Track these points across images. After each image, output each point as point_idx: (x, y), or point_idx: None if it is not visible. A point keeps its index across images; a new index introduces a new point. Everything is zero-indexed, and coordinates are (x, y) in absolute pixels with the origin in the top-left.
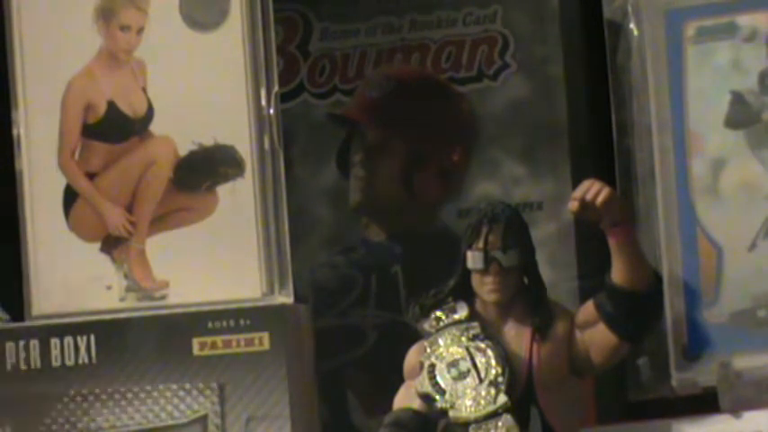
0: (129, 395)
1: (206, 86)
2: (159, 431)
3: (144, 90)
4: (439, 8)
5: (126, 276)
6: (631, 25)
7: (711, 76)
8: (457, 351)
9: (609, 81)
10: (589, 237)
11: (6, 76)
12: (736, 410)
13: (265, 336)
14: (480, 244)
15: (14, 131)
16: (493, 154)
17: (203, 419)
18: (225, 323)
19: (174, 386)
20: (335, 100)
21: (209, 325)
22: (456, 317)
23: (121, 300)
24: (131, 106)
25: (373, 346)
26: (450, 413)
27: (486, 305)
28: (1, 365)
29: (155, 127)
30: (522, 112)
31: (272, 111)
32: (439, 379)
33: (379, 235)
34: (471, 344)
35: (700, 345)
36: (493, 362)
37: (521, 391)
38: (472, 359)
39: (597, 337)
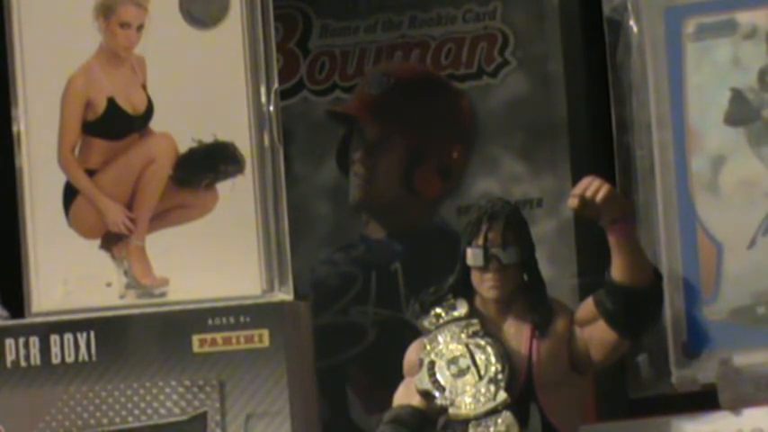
0: (129, 392)
1: (206, 83)
2: (159, 428)
3: (144, 87)
4: (439, 5)
5: (126, 273)
6: (631, 22)
7: (711, 74)
8: (456, 348)
9: (608, 78)
10: (589, 234)
11: (6, 74)
12: (735, 407)
13: (265, 333)
14: (480, 241)
15: (14, 128)
16: (492, 151)
17: (203, 416)
18: (225, 320)
19: (174, 383)
20: (335, 97)
21: (209, 322)
22: (456, 314)
23: (121, 297)
24: (131, 103)
25: (373, 343)
26: (450, 410)
27: (485, 302)
28: (1, 362)
29: (154, 124)
30: (521, 110)
31: (271, 108)
32: (439, 376)
33: (378, 232)
34: (471, 341)
35: (699, 342)
36: (492, 359)
37: (520, 388)
38: (472, 356)
39: (597, 334)
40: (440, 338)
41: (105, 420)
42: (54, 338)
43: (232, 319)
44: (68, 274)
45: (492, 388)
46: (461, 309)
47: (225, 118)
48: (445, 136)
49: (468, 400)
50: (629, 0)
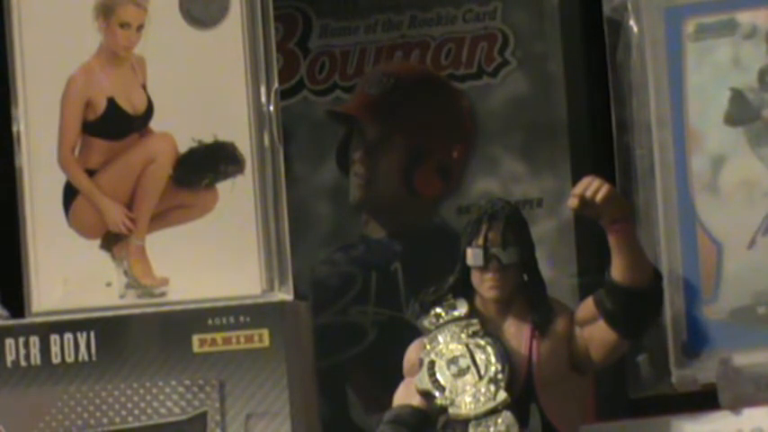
0: (129, 392)
1: (206, 83)
2: (159, 428)
3: (144, 87)
4: (439, 5)
5: (126, 273)
6: (631, 22)
7: (711, 73)
8: (456, 348)
9: (608, 78)
10: (589, 234)
11: (6, 73)
12: (735, 407)
13: (265, 333)
14: (480, 241)
15: (14, 128)
16: (492, 151)
17: (203, 416)
18: (225, 320)
19: (174, 383)
20: (335, 97)
21: (209, 322)
22: (456, 314)
23: (121, 297)
24: (131, 103)
25: (373, 342)
26: (450, 410)
27: (485, 302)
28: (1, 362)
29: (155, 124)
30: (521, 109)
31: (271, 108)
32: (439, 376)
33: (378, 232)
34: (471, 341)
35: (699, 342)
36: (492, 359)
37: (520, 388)
38: (472, 356)
39: (597, 334)
40: (440, 338)
41: (105, 420)
42: (54, 338)
43: (232, 319)
44: (68, 274)
45: (492, 388)
46: (461, 309)
47: (225, 118)
48: (445, 136)
49: (468, 399)
50: (629, 0)
